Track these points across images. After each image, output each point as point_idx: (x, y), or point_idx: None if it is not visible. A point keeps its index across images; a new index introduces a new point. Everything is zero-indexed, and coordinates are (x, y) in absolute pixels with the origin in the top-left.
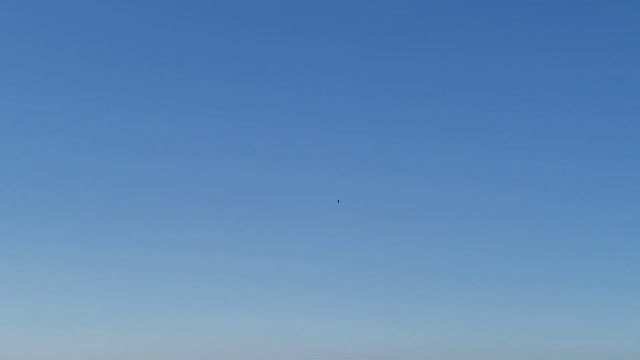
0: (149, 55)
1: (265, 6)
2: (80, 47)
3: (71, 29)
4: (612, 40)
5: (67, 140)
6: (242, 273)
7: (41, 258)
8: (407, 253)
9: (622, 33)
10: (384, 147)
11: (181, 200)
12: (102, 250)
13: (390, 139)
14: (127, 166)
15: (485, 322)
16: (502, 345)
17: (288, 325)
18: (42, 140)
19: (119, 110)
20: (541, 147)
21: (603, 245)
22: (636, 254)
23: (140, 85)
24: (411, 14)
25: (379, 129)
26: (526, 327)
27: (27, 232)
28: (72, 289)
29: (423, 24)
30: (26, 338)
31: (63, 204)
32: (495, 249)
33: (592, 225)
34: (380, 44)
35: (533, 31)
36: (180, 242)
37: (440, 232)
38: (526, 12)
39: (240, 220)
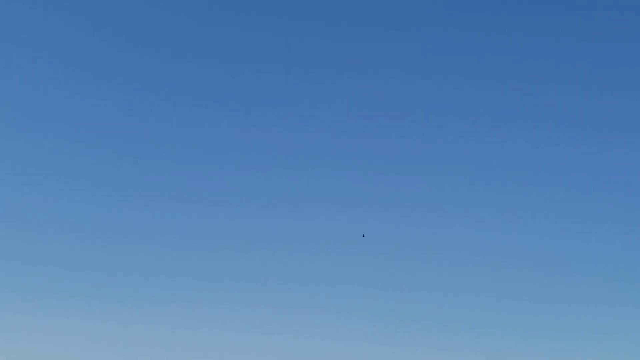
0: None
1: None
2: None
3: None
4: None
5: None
6: (245, 323)
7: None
8: (412, 296)
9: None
10: (386, 186)
11: (182, 249)
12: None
13: (393, 176)
14: (125, 215)
15: None
16: None
17: None
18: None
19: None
20: (551, 184)
21: (614, 289)
22: None
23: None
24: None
25: (381, 165)
26: None
27: (24, 279)
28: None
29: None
30: None
31: (58, 250)
32: (510, 293)
33: (603, 268)
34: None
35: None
36: (181, 291)
37: (444, 273)
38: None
39: (243, 268)
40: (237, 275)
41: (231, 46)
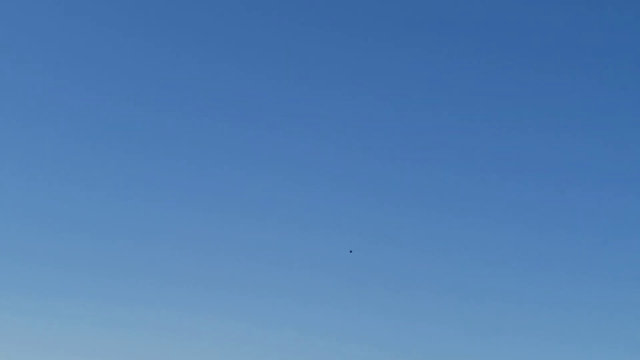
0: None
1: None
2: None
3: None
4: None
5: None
6: (237, 336)
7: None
8: (403, 328)
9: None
10: (381, 215)
11: (180, 259)
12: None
13: (389, 207)
14: (118, 216)
15: None
16: None
17: None
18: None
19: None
20: (545, 224)
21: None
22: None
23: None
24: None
25: (377, 193)
26: None
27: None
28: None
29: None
30: None
31: (64, 254)
32: (501, 330)
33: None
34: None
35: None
36: (175, 301)
37: (439, 308)
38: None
39: (240, 283)
40: (234, 281)
41: (238, 47)
